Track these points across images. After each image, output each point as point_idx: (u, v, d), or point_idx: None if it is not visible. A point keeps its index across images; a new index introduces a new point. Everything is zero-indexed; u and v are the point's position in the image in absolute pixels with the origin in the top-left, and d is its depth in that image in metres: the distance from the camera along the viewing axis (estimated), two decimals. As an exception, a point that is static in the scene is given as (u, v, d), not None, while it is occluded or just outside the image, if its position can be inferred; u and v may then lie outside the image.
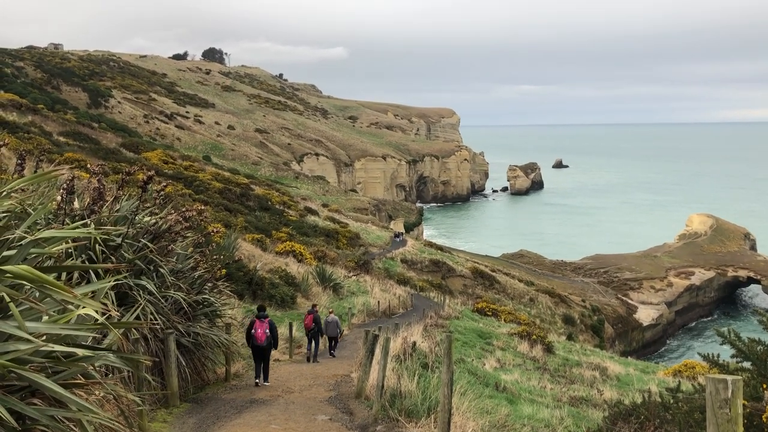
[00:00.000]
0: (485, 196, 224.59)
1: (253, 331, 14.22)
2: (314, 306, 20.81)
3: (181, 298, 11.36)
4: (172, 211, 12.41)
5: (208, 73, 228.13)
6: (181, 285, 11.70)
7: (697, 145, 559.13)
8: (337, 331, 20.88)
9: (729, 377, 3.64)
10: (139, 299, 10.09)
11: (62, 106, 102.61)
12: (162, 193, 12.83)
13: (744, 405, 4.68)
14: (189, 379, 11.84)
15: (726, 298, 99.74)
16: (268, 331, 14.19)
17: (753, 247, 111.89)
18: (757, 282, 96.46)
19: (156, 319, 10.30)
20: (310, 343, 19.62)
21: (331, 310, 23.60)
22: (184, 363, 11.59)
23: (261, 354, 14.09)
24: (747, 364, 5.49)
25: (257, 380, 13.97)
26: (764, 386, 4.94)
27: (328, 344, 21.02)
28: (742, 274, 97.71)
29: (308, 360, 19.04)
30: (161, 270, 11.09)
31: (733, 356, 5.63)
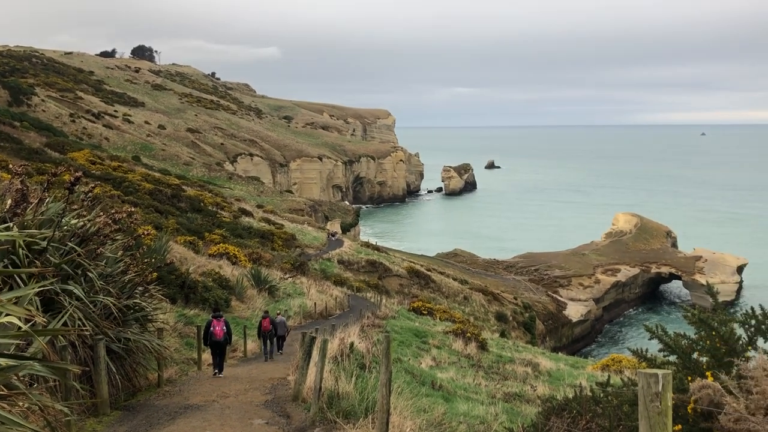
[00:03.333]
0: (420, 196, 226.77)
1: (211, 329, 15.97)
2: (267, 312, 22.04)
3: (111, 302, 11.00)
4: (101, 214, 12.03)
5: (137, 72, 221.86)
6: (111, 289, 11.33)
7: (622, 146, 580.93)
8: (285, 330, 22.48)
9: (660, 371, 3.77)
10: (66, 305, 9.73)
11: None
12: (90, 194, 12.40)
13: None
14: (120, 386, 11.48)
15: (650, 294, 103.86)
16: (224, 327, 16.02)
17: (674, 245, 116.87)
18: (678, 278, 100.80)
19: (84, 325, 9.93)
20: (265, 344, 20.77)
21: (279, 311, 24.87)
22: (114, 370, 11.23)
23: (219, 348, 15.84)
24: (673, 358, 5.72)
25: (215, 372, 15.54)
26: (689, 378, 5.16)
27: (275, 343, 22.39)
28: (665, 270, 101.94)
29: (266, 359, 20.20)
30: (90, 274, 10.71)
31: (660, 350, 5.85)
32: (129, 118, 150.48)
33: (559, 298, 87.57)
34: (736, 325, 5.54)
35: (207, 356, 17.82)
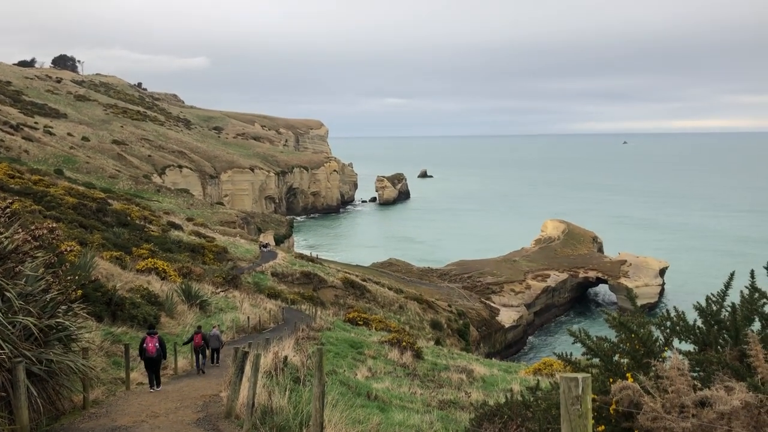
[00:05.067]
0: (355, 206, 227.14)
1: (144, 345, 16.59)
2: (200, 327, 22.30)
3: (31, 323, 10.55)
4: (20, 230, 11.56)
5: (59, 82, 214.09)
6: (31, 309, 10.87)
7: (549, 155, 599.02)
8: (218, 343, 22.78)
9: (580, 375, 3.91)
10: (-18, 327, 9.27)
11: None
12: (8, 210, 11.89)
13: (594, 399, 5.04)
14: (42, 411, 11.00)
15: (579, 298, 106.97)
16: (157, 344, 16.64)
17: (600, 249, 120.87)
18: (605, 282, 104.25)
19: (2, 348, 9.50)
20: (197, 357, 21.21)
21: (214, 324, 25.22)
22: (35, 393, 10.76)
23: (152, 364, 16.45)
24: (596, 361, 5.92)
25: (151, 388, 16.16)
26: (611, 380, 5.35)
27: (210, 356, 22.69)
28: (592, 274, 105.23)
29: (198, 372, 20.56)
30: (7, 294, 10.25)
31: (583, 354, 6.05)
32: (50, 129, 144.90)
33: (492, 304, 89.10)
34: (653, 327, 5.79)
35: (135, 375, 17.37)
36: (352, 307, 55.50)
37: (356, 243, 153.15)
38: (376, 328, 40.96)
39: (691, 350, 5.62)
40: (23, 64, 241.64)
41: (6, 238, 10.90)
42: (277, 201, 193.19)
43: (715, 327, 5.61)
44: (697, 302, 5.81)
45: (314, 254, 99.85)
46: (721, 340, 5.56)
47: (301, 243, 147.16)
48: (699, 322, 5.73)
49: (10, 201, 12.32)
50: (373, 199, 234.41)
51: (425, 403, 16.70)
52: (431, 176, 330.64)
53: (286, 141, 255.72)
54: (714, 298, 5.73)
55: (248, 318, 34.48)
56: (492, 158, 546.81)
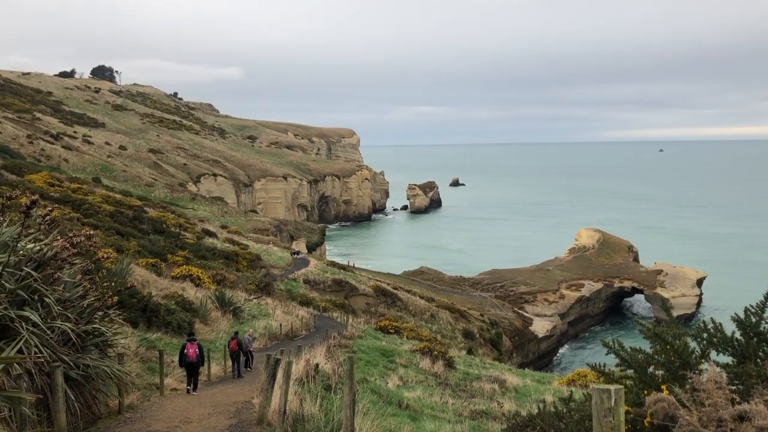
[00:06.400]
0: (386, 214, 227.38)
1: (185, 351, 17.40)
2: (236, 333, 22.91)
3: (69, 328, 10.75)
4: (59, 237, 11.81)
5: (97, 92, 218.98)
6: (69, 315, 11.09)
7: (583, 162, 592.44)
8: (247, 346, 23.15)
9: (612, 387, 3.85)
10: (22, 331, 9.49)
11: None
12: (47, 217, 12.15)
13: (628, 411, 4.96)
14: (79, 414, 11.20)
15: (614, 308, 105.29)
16: (197, 350, 17.47)
17: (636, 259, 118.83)
18: (640, 292, 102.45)
19: (41, 352, 9.69)
20: (234, 363, 21.64)
21: (247, 330, 25.73)
22: (73, 397, 10.96)
23: (192, 369, 17.25)
24: (630, 372, 5.82)
25: (188, 388, 16.94)
26: (645, 392, 5.25)
27: (245, 360, 23.24)
28: (627, 284, 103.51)
29: (234, 377, 21.18)
30: (47, 300, 10.47)
31: (617, 365, 5.95)
32: (89, 139, 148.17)
33: (525, 314, 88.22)
34: (689, 339, 5.67)
35: (170, 381, 17.62)
36: (384, 316, 55.49)
37: (387, 251, 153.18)
38: (407, 337, 40.85)
39: (729, 363, 5.49)
40: (64, 75, 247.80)
41: (45, 245, 11.15)
42: (309, 209, 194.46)
43: (755, 339, 5.48)
44: (736, 314, 5.68)
45: (351, 263, 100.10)
46: (760, 353, 5.42)
47: (333, 251, 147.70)
48: (737, 334, 5.60)
49: (50, 209, 12.61)
50: (405, 208, 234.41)
51: (457, 413, 16.59)
52: (463, 184, 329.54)
53: (319, 149, 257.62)
54: (753, 310, 5.60)
55: (280, 325, 34.69)
56: (525, 166, 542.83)
